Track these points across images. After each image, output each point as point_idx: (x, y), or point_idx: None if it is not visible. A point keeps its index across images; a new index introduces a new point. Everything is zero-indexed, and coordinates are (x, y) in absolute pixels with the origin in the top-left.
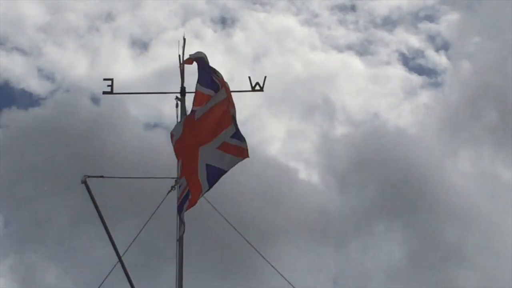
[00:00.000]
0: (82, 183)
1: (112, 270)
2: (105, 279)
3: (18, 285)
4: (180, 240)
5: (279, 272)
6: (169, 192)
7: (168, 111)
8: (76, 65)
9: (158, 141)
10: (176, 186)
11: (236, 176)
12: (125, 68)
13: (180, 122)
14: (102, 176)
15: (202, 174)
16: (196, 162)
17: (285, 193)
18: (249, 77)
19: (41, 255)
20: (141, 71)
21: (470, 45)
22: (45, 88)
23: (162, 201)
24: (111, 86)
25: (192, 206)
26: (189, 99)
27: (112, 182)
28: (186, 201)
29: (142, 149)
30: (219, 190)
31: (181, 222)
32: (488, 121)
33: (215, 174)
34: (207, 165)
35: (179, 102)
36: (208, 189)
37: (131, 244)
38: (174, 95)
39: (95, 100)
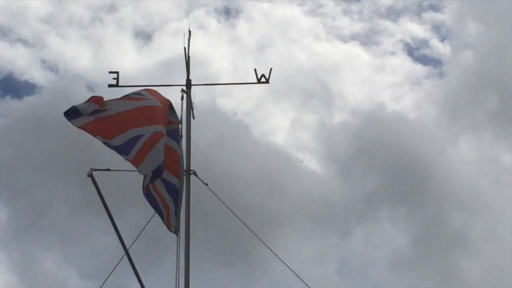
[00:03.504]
0: (88, 176)
1: (118, 263)
2: (111, 272)
3: (16, 273)
4: (186, 232)
5: (282, 261)
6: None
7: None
8: (79, 56)
9: None
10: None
11: (240, 166)
12: (129, 60)
13: None
14: (108, 169)
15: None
16: None
17: (288, 182)
18: (255, 69)
19: (40, 244)
20: (144, 62)
21: (470, 31)
22: (48, 79)
23: None
24: (117, 79)
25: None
26: (195, 92)
27: (116, 174)
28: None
29: None
30: (223, 179)
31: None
32: (488, 107)
33: None
34: None
35: (184, 95)
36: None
37: (137, 237)
38: (178, 87)
39: (98, 92)
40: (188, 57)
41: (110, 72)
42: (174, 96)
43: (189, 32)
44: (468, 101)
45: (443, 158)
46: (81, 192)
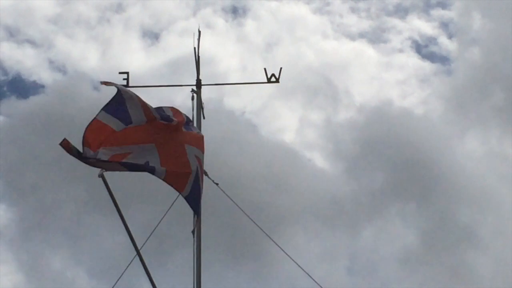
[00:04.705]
0: (99, 176)
1: (130, 263)
2: (123, 272)
3: (25, 273)
4: (197, 231)
5: (292, 259)
6: None
7: (180, 103)
8: (87, 56)
9: None
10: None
11: (249, 164)
12: (137, 60)
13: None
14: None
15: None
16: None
17: (297, 180)
18: (265, 69)
19: (48, 244)
20: (152, 62)
21: (478, 27)
22: (56, 79)
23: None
24: (127, 79)
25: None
26: (205, 92)
27: (124, 174)
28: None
29: None
30: (232, 178)
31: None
32: (495, 102)
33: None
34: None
35: (195, 95)
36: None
37: (149, 237)
38: (186, 87)
39: (104, 91)
40: (198, 57)
41: (120, 73)
42: (183, 96)
43: (199, 32)
44: (475, 96)
45: (451, 154)
46: (88, 191)
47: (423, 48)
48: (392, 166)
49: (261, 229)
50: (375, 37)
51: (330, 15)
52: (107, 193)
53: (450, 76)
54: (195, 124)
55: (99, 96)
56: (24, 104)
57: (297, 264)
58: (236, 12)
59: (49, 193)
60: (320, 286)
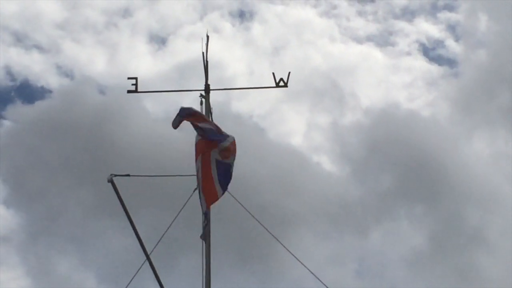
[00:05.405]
0: (108, 181)
1: (140, 268)
2: (133, 277)
3: (32, 278)
4: (207, 235)
5: (302, 263)
6: (195, 189)
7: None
8: (94, 61)
9: (177, 136)
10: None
11: (257, 167)
12: (144, 64)
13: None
14: (128, 175)
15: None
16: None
17: (305, 183)
18: (273, 73)
19: (56, 248)
20: (160, 67)
21: (484, 29)
22: (63, 85)
23: (188, 199)
24: (136, 85)
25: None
26: (212, 96)
27: (130, 178)
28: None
29: (162, 146)
30: (240, 181)
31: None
32: (502, 103)
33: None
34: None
35: (203, 100)
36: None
37: (159, 241)
38: (194, 91)
39: (110, 96)
40: (207, 62)
41: (129, 78)
42: (191, 101)
43: (207, 37)
44: (482, 98)
45: (458, 155)
46: (95, 195)
47: (430, 51)
48: (400, 168)
49: (270, 232)
50: (382, 40)
51: (337, 18)
52: (114, 197)
53: (457, 78)
54: None
55: (105, 101)
56: (31, 109)
57: (306, 267)
58: (243, 16)
59: (57, 198)
60: None
